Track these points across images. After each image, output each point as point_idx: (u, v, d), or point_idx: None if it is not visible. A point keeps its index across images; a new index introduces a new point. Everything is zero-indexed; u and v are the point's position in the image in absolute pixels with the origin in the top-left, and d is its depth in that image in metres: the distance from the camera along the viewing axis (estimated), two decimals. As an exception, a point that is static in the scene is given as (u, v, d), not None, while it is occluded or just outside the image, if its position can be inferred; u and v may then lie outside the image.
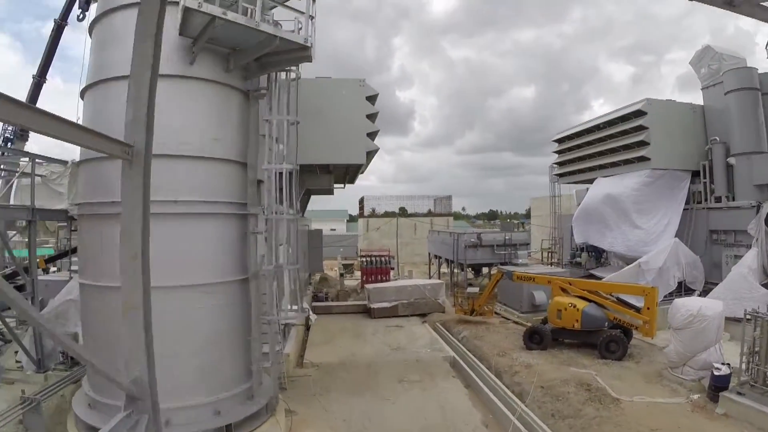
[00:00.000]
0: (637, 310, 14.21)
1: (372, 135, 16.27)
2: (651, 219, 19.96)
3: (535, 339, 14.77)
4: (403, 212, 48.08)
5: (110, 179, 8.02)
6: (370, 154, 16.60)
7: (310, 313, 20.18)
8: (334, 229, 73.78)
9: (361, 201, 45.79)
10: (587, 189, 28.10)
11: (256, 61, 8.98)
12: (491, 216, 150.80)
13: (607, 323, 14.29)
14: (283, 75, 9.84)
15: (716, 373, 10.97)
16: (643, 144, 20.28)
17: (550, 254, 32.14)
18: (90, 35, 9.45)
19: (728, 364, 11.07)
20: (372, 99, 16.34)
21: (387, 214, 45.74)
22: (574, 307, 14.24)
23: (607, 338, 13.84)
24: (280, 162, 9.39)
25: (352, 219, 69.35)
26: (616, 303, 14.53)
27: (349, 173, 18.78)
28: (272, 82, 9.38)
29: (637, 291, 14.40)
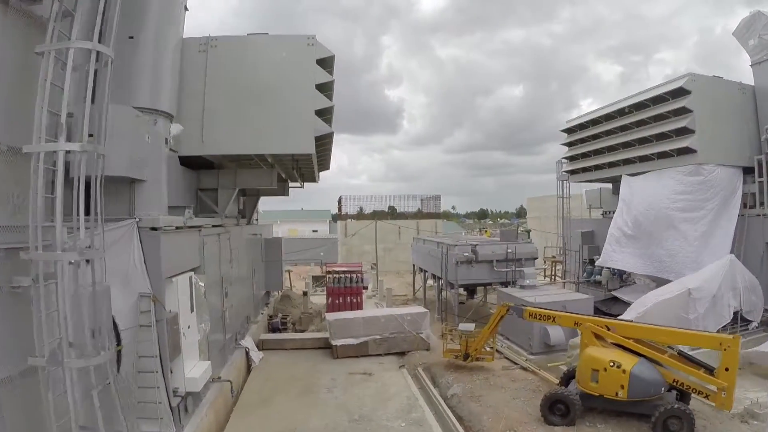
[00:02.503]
0: (708, 369, 9.64)
1: (325, 113, 11.47)
2: (699, 230, 15.40)
3: (558, 410, 10.08)
4: (393, 212, 43.27)
5: None
6: (323, 140, 11.81)
7: (254, 351, 15.39)
8: (316, 231, 69.02)
9: (340, 201, 40.78)
10: (600, 189, 23.59)
11: None
12: (481, 215, 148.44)
13: (663, 388, 9.73)
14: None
15: None
16: (685, 131, 15.70)
17: (554, 265, 27.63)
18: None
19: None
20: (326, 63, 11.50)
21: (376, 214, 40.79)
22: (619, 367, 9.56)
23: (666, 413, 9.25)
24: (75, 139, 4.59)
25: (336, 219, 64.65)
26: (677, 359, 9.92)
27: (299, 168, 13.96)
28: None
29: (711, 343, 9.69)
